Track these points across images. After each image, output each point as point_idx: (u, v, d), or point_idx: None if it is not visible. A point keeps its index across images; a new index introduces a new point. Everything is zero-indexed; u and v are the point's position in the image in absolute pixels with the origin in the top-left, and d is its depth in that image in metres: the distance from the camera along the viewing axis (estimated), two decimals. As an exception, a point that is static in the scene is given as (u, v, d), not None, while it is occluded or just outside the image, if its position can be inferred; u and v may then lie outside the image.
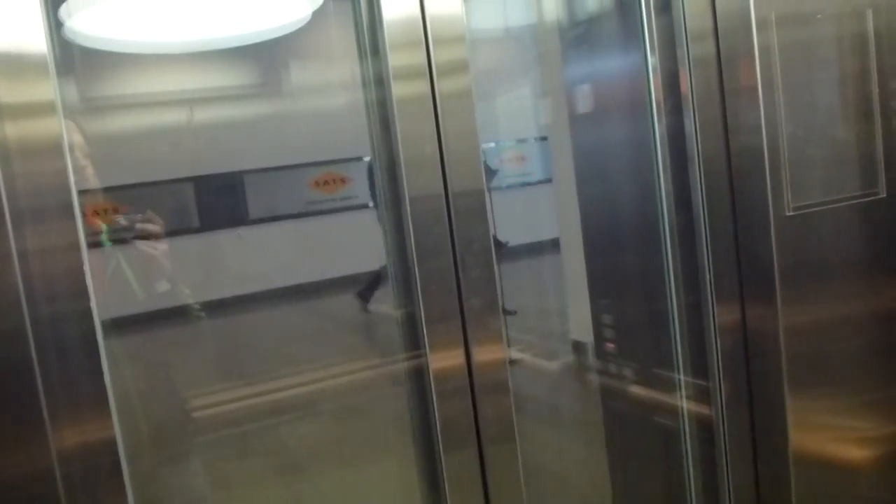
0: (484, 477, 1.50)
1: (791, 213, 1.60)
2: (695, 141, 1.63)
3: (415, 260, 1.40)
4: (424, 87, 1.39)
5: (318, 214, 1.69)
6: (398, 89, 1.37)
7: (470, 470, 1.49)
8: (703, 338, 1.74)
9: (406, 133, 1.38)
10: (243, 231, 1.60)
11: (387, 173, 1.47)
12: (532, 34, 1.99)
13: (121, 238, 1.35)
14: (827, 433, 1.72)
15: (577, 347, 2.09)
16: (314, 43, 1.73)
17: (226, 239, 1.59)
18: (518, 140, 2.10)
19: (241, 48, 1.66)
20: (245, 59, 1.70)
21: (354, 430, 1.56)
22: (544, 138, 2.08)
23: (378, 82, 1.43)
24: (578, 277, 1.95)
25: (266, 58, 1.73)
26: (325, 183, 1.68)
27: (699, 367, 1.76)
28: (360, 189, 1.72)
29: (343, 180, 1.70)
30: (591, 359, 1.98)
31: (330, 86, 1.73)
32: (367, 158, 1.50)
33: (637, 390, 1.86)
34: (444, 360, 1.45)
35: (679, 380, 1.80)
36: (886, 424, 1.76)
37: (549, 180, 2.10)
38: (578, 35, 1.94)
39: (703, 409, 1.77)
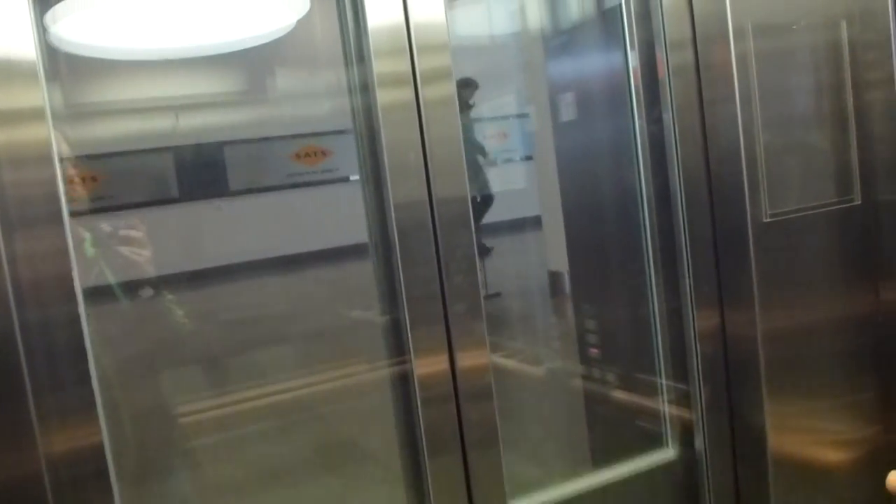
0: (468, 482, 1.51)
1: (768, 220, 1.63)
2: (674, 148, 1.66)
3: (399, 266, 1.41)
4: (409, 94, 1.41)
5: (299, 187, 1.68)
6: (383, 96, 1.39)
7: (454, 475, 1.50)
8: (683, 342, 1.76)
9: (391, 140, 1.40)
10: (222, 203, 1.60)
11: (371, 179, 1.48)
12: (517, 41, 2.01)
13: (104, 244, 1.35)
14: (805, 436, 1.75)
15: (554, 277, 2.10)
16: (298, 50, 1.74)
17: (205, 210, 1.58)
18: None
19: (226, 55, 1.67)
20: (229, 66, 1.71)
21: (337, 434, 1.56)
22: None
23: (363, 89, 1.44)
24: (554, 208, 1.97)
25: (250, 65, 1.74)
26: (307, 155, 1.69)
27: (679, 370, 1.79)
28: (340, 161, 1.72)
29: (324, 153, 1.70)
30: (568, 288, 1.99)
31: (314, 92, 1.74)
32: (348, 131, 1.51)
33: (618, 394, 1.88)
34: (428, 365, 1.46)
35: (660, 384, 1.83)
36: (863, 427, 1.79)
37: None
38: (562, 42, 1.96)
39: (684, 413, 1.80)
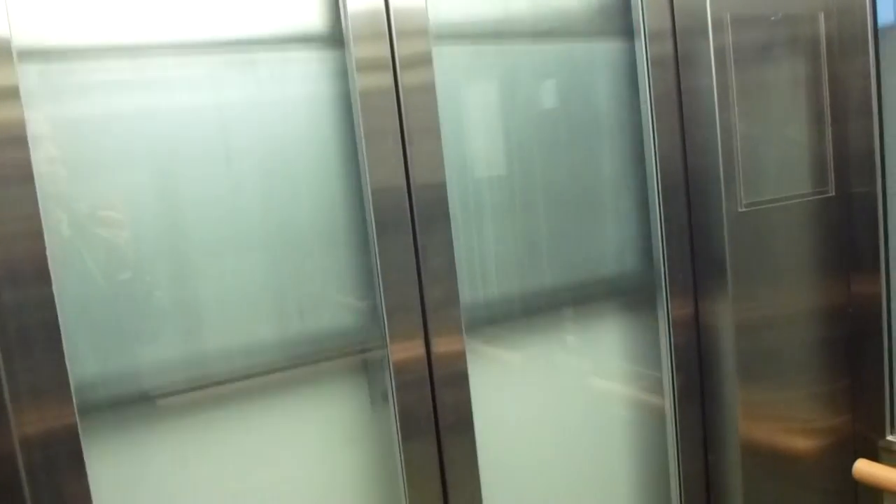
0: (442, 466, 1.52)
1: (743, 210, 1.65)
2: (651, 138, 1.67)
3: (376, 251, 1.42)
4: (388, 79, 1.41)
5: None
6: (362, 81, 1.39)
7: (428, 459, 1.51)
8: (657, 331, 1.78)
9: (369, 126, 1.40)
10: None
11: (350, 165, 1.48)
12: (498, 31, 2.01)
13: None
14: (774, 424, 1.77)
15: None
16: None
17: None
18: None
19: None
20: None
21: (311, 419, 1.56)
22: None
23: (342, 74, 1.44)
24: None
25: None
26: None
27: (653, 359, 1.81)
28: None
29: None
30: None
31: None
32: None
33: (593, 381, 1.89)
34: (404, 350, 1.47)
35: (634, 371, 1.84)
36: (831, 416, 1.82)
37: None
38: (545, 30, 1.95)
39: (656, 400, 1.82)
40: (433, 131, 1.45)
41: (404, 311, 1.46)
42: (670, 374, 1.76)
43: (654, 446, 1.84)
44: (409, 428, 1.49)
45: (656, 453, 1.85)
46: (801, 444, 1.81)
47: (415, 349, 1.48)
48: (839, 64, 1.72)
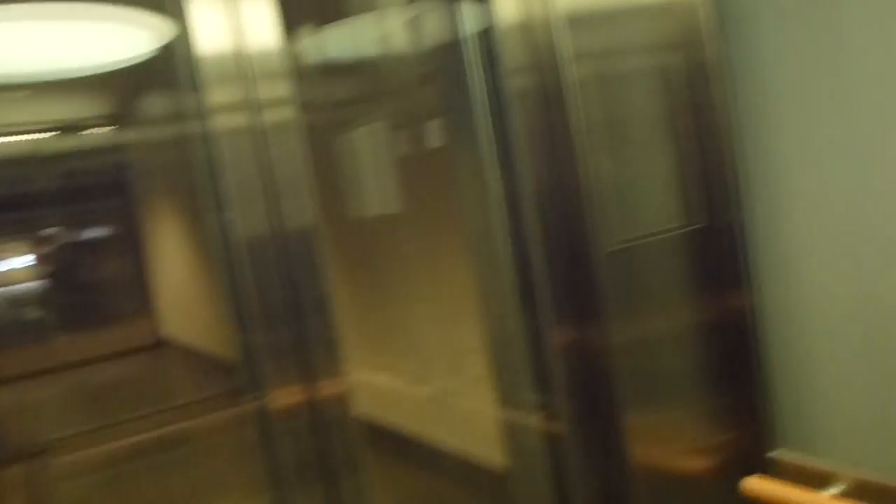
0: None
1: (616, 248, 1.64)
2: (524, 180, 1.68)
3: (248, 298, 1.39)
4: (246, 121, 1.39)
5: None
6: (219, 124, 1.37)
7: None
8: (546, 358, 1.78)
9: (231, 169, 1.38)
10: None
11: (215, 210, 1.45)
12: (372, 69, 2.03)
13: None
14: (664, 446, 1.78)
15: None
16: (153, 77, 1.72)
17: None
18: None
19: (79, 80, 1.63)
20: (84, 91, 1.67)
21: (201, 473, 1.52)
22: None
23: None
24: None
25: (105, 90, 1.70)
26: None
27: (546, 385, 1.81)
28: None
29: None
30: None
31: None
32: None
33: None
34: (283, 398, 1.44)
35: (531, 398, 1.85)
36: (718, 434, 1.84)
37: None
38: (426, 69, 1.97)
39: (554, 426, 1.81)
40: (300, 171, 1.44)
41: (281, 358, 1.43)
42: (563, 400, 1.75)
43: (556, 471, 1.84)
44: (296, 475, 1.46)
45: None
46: (691, 464, 1.82)
47: (295, 396, 1.45)
48: (701, 95, 1.75)
